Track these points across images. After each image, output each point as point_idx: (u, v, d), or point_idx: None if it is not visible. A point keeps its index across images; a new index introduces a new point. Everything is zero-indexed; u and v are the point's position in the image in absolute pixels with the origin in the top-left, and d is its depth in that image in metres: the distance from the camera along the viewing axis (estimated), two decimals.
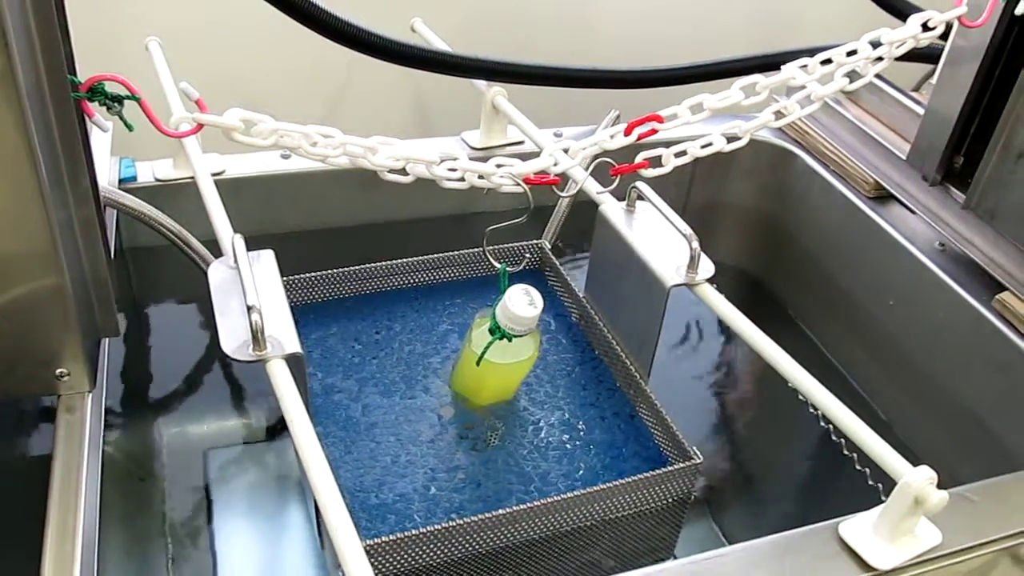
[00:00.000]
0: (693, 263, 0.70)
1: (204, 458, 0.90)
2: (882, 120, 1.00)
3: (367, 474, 0.68)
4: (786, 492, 0.82)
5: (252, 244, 0.65)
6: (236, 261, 0.63)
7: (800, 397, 0.80)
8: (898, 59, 1.09)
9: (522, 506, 0.62)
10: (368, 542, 0.58)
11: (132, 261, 0.92)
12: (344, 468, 0.68)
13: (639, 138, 0.69)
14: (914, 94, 1.02)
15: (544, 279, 0.89)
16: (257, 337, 0.58)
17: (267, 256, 0.68)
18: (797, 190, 1.05)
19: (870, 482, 0.70)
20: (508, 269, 0.68)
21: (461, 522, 0.60)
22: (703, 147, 0.73)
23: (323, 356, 0.78)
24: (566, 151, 0.65)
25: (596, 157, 0.70)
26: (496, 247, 0.87)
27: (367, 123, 1.24)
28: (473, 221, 1.02)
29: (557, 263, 0.87)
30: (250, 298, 0.58)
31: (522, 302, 0.66)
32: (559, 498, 0.63)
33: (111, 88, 0.52)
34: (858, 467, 0.73)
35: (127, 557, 0.85)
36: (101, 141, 0.88)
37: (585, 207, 0.83)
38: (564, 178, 0.70)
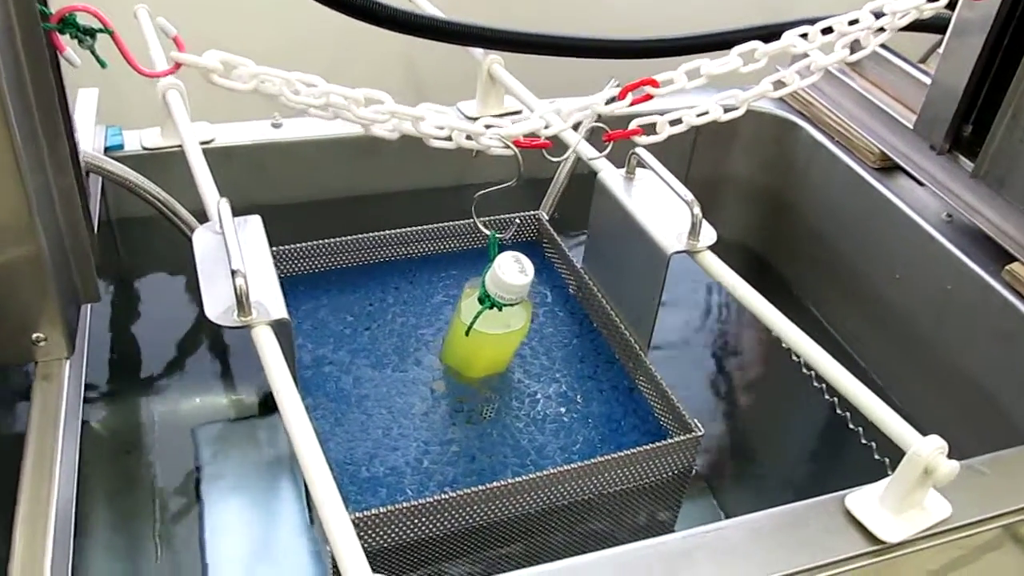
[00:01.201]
0: (694, 230, 0.67)
1: (193, 434, 0.89)
2: (887, 91, 0.98)
3: (358, 447, 0.66)
4: (789, 467, 0.81)
5: (244, 215, 0.63)
6: (221, 226, 0.61)
7: (805, 370, 0.78)
8: (904, 29, 1.06)
9: (517, 479, 0.60)
10: (357, 515, 0.56)
11: (119, 231, 0.90)
12: (334, 441, 0.66)
13: (633, 103, 0.67)
14: (921, 65, 0.99)
15: (541, 251, 0.87)
16: (242, 302, 0.56)
17: (254, 221, 0.66)
18: (800, 162, 1.02)
19: (876, 456, 0.68)
20: (498, 236, 0.66)
21: (454, 495, 0.59)
22: (699, 115, 0.71)
23: (314, 328, 0.76)
24: (558, 113, 0.62)
25: (591, 123, 0.67)
26: (491, 218, 0.85)
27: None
28: (470, 193, 1.00)
29: (554, 234, 0.85)
30: (235, 262, 0.56)
31: (512, 270, 0.64)
32: (555, 471, 0.61)
33: (83, 21, 0.50)
34: (864, 441, 0.71)
35: (114, 533, 0.83)
36: (86, 109, 0.86)
37: (585, 180, 0.81)
38: (560, 144, 0.68)
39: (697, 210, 0.67)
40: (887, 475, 0.56)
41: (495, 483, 0.60)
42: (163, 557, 0.83)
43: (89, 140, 0.82)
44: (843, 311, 0.98)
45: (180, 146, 0.83)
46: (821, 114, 1.00)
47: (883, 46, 1.02)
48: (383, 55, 1.20)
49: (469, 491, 0.59)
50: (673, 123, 0.69)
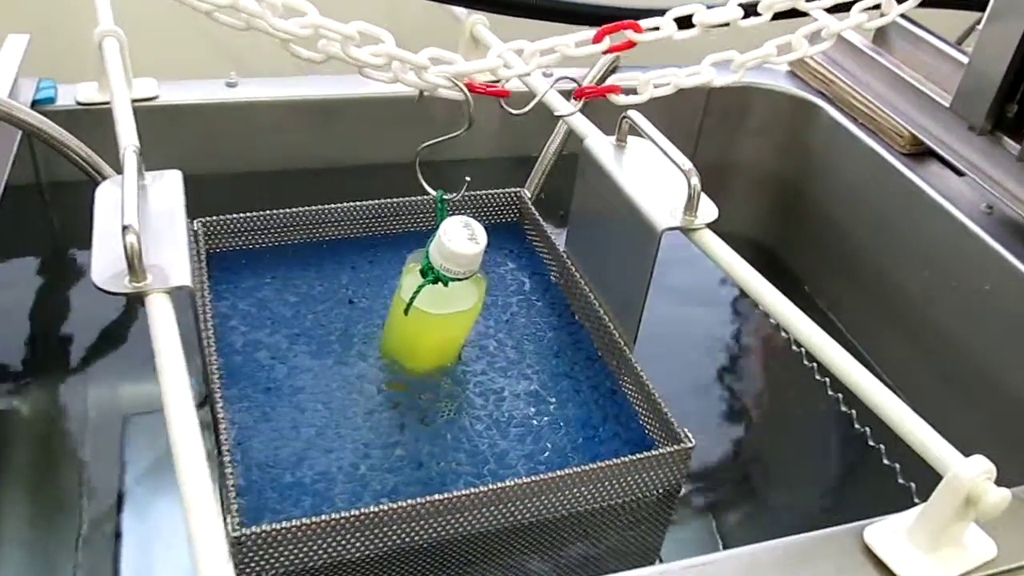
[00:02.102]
0: (691, 204, 0.57)
1: (126, 424, 0.79)
2: (919, 71, 0.87)
3: (285, 447, 0.56)
4: (797, 490, 0.70)
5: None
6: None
7: (818, 376, 0.68)
8: (939, 5, 0.96)
9: (469, 491, 0.50)
10: (264, 528, 0.46)
11: (51, 196, 0.81)
12: (258, 438, 0.56)
13: (610, 50, 0.56)
14: (958, 46, 0.89)
15: (523, 233, 0.77)
16: (133, 264, 0.46)
17: (171, 177, 0.56)
18: (819, 147, 0.92)
19: (901, 480, 0.57)
20: (446, 197, 0.56)
21: (387, 507, 0.48)
22: (689, 76, 0.61)
23: (252, 307, 0.66)
24: (520, 53, 0.52)
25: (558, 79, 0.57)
26: (469, 194, 0.75)
27: None
28: (448, 168, 0.90)
29: (536, 214, 0.75)
30: (127, 217, 0.47)
31: (460, 236, 0.54)
32: (516, 483, 0.51)
33: None
34: (886, 461, 0.61)
35: (31, 530, 0.74)
36: (10, 56, 0.77)
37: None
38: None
39: (695, 181, 0.57)
40: (914, 503, 0.45)
41: (441, 495, 0.49)
42: (80, 564, 0.73)
43: (6, 89, 0.73)
44: (863, 314, 0.87)
45: None
46: (843, 93, 0.89)
47: (914, 22, 0.92)
48: (359, 11, 1.11)
49: (409, 504, 0.49)
50: (658, 85, 0.58)
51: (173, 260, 0.49)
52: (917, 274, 0.80)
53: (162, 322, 0.45)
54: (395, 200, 0.74)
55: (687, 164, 0.57)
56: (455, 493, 0.50)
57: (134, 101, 0.76)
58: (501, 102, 0.53)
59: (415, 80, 0.49)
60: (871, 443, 0.62)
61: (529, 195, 0.78)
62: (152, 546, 0.73)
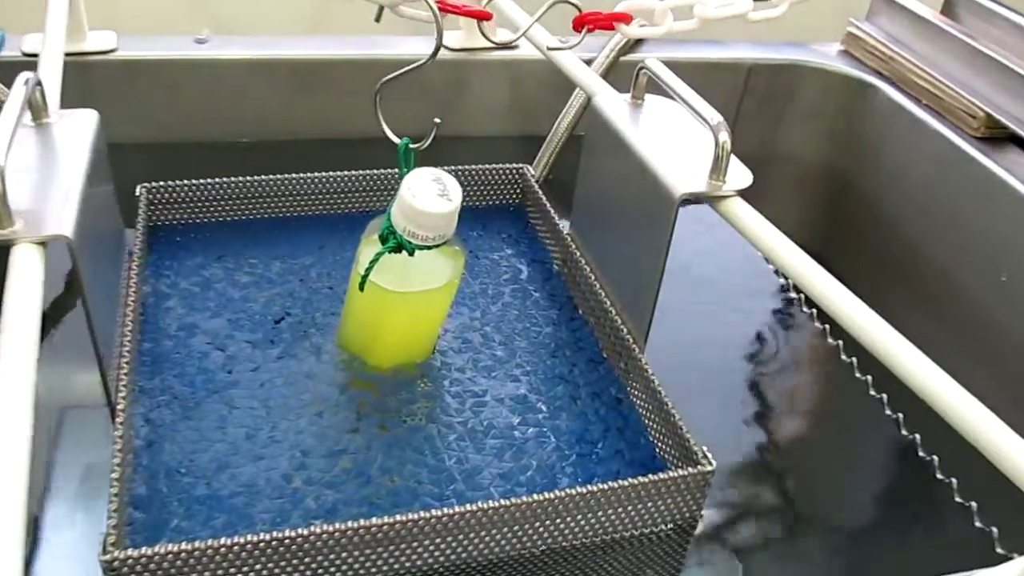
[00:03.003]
0: (719, 166, 0.46)
1: (61, 416, 0.69)
2: (995, 46, 0.75)
3: (204, 451, 0.45)
4: (844, 530, 0.57)
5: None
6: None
7: (873, 392, 0.56)
8: None
9: (423, 514, 0.39)
10: (147, 552, 0.36)
11: None
12: (174, 439, 0.46)
13: None
14: None
15: (525, 216, 0.67)
16: None
17: (84, 116, 0.47)
18: (876, 134, 0.80)
19: (978, 523, 0.45)
20: (413, 146, 0.45)
21: (317, 531, 0.38)
22: (718, 7, 0.50)
23: (196, 287, 0.56)
24: None
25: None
26: (465, 167, 0.65)
27: (335, 9, 1.01)
28: (453, 145, 0.80)
29: (540, 192, 0.64)
30: None
31: (429, 191, 0.43)
32: (486, 507, 0.40)
33: None
34: (959, 499, 0.48)
35: None
36: None
37: None
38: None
39: (724, 136, 0.46)
40: (996, 553, 0.34)
41: (388, 518, 0.39)
42: None
43: None
44: (928, 328, 0.75)
45: (71, 54, 0.65)
46: (904, 71, 0.77)
47: None
48: None
49: (344, 528, 0.38)
50: (678, 12, 0.47)
51: (57, 208, 0.39)
52: (992, 278, 0.68)
53: (22, 279, 0.35)
54: (373, 172, 0.64)
55: (716, 117, 0.46)
56: (406, 516, 0.39)
57: (87, 53, 0.68)
58: (480, 26, 0.43)
59: None
60: (939, 475, 0.50)
61: (534, 172, 0.67)
62: (72, 560, 0.63)
